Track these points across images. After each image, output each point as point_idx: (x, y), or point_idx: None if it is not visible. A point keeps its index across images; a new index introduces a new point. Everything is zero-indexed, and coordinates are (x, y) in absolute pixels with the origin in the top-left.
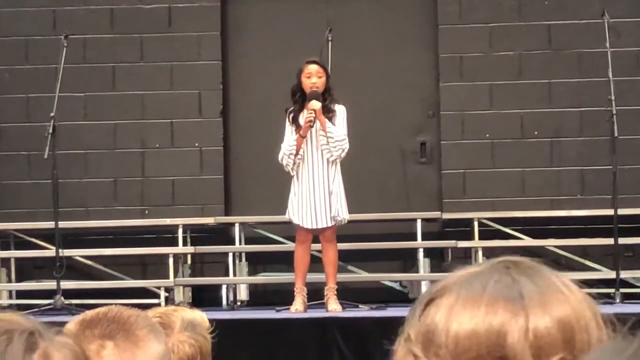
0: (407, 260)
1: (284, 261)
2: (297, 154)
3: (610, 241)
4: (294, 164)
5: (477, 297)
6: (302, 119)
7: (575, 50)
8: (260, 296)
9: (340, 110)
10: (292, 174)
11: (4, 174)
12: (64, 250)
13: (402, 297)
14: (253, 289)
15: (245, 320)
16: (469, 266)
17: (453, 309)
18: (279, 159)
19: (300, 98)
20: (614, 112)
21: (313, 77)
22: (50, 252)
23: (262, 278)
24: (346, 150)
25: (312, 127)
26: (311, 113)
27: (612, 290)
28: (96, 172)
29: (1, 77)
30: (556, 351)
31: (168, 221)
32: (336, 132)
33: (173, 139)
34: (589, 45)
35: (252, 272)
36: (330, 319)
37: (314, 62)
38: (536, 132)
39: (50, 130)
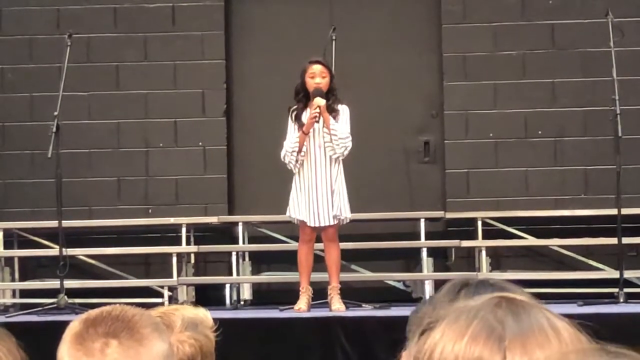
0: (410, 260)
1: (288, 260)
2: (299, 151)
3: (613, 241)
4: (297, 161)
5: (461, 332)
6: (305, 118)
7: (579, 49)
8: (263, 295)
9: (343, 110)
10: (294, 171)
11: (8, 173)
12: (68, 249)
13: (405, 296)
14: (256, 288)
15: (248, 319)
16: (465, 300)
17: (440, 340)
18: (282, 156)
19: (303, 97)
20: (618, 111)
21: (317, 78)
22: (53, 251)
23: (265, 277)
24: (349, 149)
25: (317, 122)
26: (316, 109)
27: (615, 290)
28: (100, 171)
29: (5, 76)
30: None
31: (171, 220)
32: (340, 130)
33: (177, 138)
34: (593, 44)
35: (255, 271)
36: (333, 319)
37: (317, 62)
38: (540, 132)
39: (54, 129)
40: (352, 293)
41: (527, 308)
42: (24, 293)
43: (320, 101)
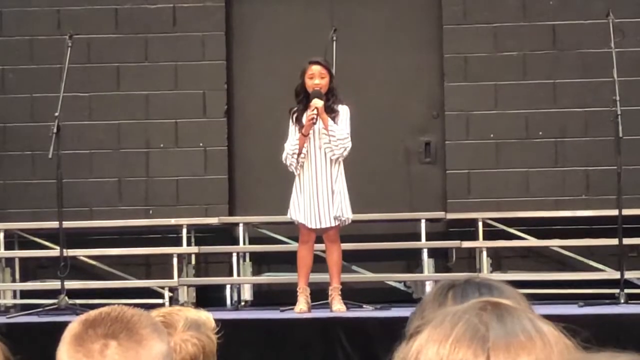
0: (411, 261)
1: (288, 261)
2: (300, 153)
3: (614, 241)
4: (298, 163)
5: (446, 334)
6: (306, 118)
7: (579, 50)
8: (264, 296)
9: (343, 110)
10: (296, 173)
11: (9, 173)
12: (68, 250)
13: (406, 297)
14: (257, 289)
15: (249, 320)
16: (453, 301)
17: (425, 342)
18: (283, 158)
19: (304, 98)
20: (619, 112)
21: (316, 79)
22: (54, 252)
23: (266, 278)
24: (348, 149)
25: (314, 124)
26: (314, 111)
27: (616, 291)
28: (100, 172)
29: (6, 77)
30: None
31: (172, 221)
32: (338, 130)
33: (177, 139)
34: (594, 45)
35: (256, 272)
36: (334, 319)
37: (317, 62)
38: (541, 133)
39: (55, 130)
40: (352, 294)
41: (512, 312)
42: (25, 294)
43: (317, 102)
